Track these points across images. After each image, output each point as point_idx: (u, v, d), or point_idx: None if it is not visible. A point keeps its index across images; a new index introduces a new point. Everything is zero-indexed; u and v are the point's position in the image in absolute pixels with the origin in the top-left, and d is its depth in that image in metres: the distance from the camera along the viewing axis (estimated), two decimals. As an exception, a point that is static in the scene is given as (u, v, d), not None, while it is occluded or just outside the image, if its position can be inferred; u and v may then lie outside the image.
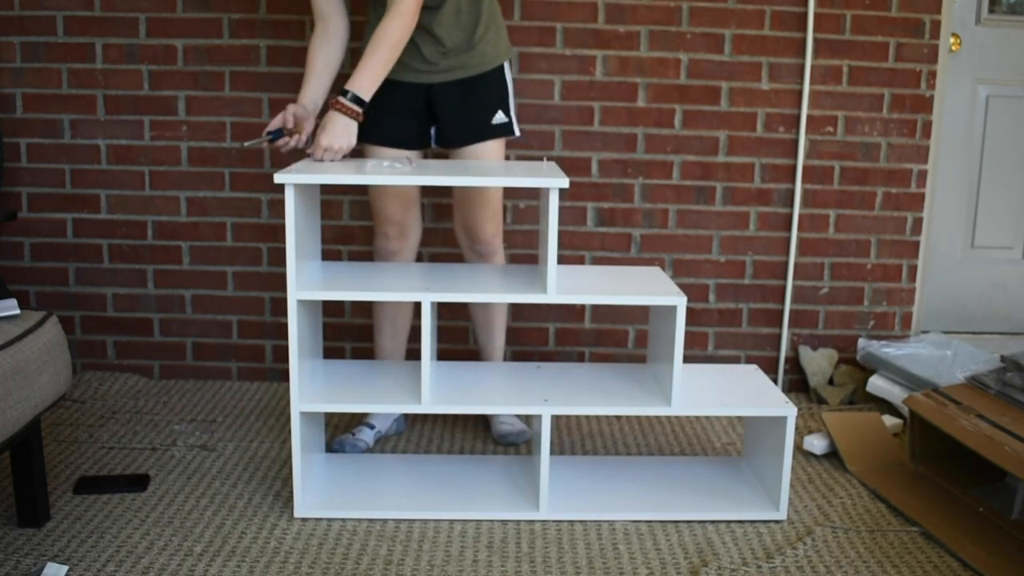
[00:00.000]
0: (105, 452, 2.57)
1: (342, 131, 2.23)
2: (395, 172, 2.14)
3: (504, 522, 2.23)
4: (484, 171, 2.20)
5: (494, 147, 2.52)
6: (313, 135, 2.35)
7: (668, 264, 3.15)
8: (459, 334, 3.17)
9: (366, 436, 2.62)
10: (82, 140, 3.03)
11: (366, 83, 2.25)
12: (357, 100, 2.24)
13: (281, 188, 3.05)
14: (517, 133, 2.56)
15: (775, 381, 3.22)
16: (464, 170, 2.22)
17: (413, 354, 3.17)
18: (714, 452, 2.70)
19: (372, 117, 2.41)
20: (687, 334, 3.21)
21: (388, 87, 2.39)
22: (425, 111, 2.50)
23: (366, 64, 2.25)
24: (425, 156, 2.61)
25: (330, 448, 2.59)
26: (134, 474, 2.42)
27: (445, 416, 2.92)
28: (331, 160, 2.25)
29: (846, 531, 2.22)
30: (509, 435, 2.67)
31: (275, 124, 2.33)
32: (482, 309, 2.72)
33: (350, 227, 3.08)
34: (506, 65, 2.52)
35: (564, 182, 2.10)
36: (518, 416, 2.78)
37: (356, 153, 2.52)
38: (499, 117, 2.50)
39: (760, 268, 3.16)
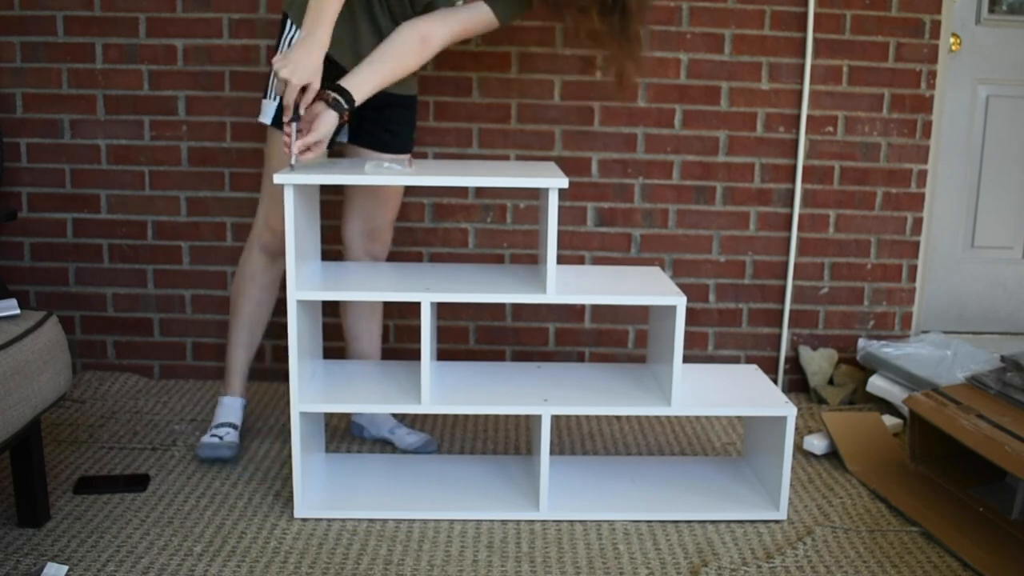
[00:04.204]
0: (105, 452, 2.57)
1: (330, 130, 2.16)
2: (394, 173, 2.14)
3: (504, 522, 2.23)
4: (482, 171, 2.20)
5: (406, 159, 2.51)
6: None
7: (668, 264, 3.15)
8: (459, 334, 3.17)
9: (232, 437, 2.54)
10: (82, 140, 3.03)
11: (364, 90, 2.18)
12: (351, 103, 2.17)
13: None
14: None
15: (775, 381, 3.22)
16: (462, 170, 2.22)
17: (413, 354, 3.17)
18: (714, 452, 2.70)
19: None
20: (687, 334, 3.21)
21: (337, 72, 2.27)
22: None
23: (373, 71, 2.18)
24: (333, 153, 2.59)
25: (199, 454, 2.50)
26: (134, 474, 2.42)
27: (445, 416, 2.92)
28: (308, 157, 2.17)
29: (846, 531, 2.22)
30: (415, 444, 2.62)
31: (292, 103, 2.09)
32: (365, 318, 2.63)
33: (350, 227, 3.08)
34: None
35: (564, 182, 2.10)
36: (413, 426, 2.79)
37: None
38: (412, 134, 2.55)
39: (760, 268, 3.16)
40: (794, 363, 3.22)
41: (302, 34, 2.09)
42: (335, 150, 2.56)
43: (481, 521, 2.23)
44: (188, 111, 3.01)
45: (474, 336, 3.18)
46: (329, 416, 2.87)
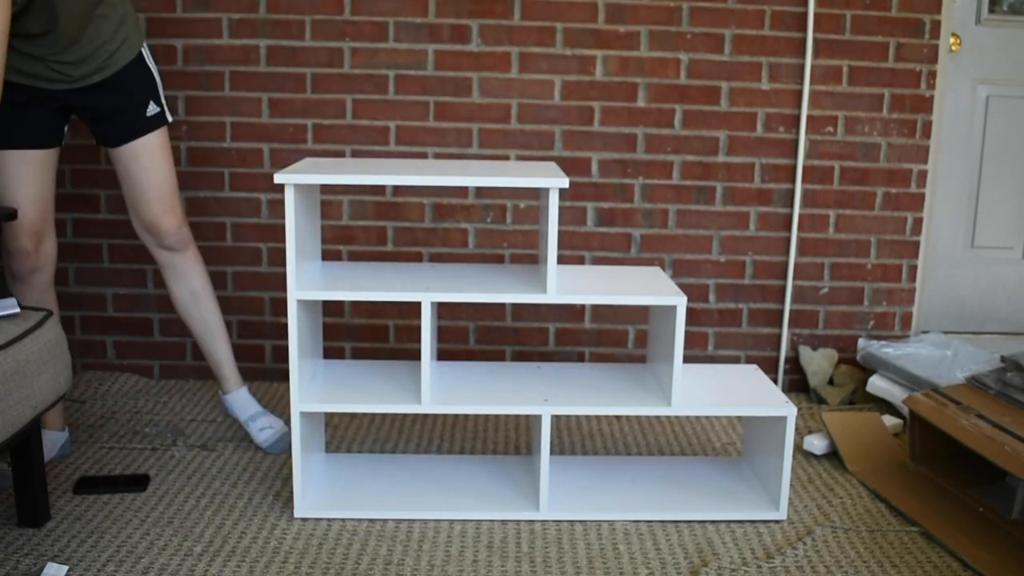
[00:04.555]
0: (105, 452, 2.57)
1: None
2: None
3: (504, 522, 2.23)
4: (482, 171, 2.20)
5: (155, 140, 2.38)
6: None
7: (668, 264, 3.15)
8: (459, 334, 3.17)
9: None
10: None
11: None
12: None
13: (281, 188, 3.05)
14: (170, 119, 2.44)
15: (775, 381, 3.22)
16: (462, 170, 2.22)
17: (413, 354, 3.17)
18: (714, 452, 2.70)
19: None
20: (687, 334, 3.21)
21: (12, 90, 2.21)
22: (61, 107, 2.30)
23: None
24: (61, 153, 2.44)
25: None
26: (134, 474, 2.42)
27: (445, 416, 2.92)
28: None
29: (846, 531, 2.22)
30: (268, 442, 2.59)
31: None
32: (199, 323, 2.58)
33: (350, 227, 3.09)
34: (144, 52, 2.36)
35: (564, 182, 2.10)
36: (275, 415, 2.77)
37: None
38: (152, 108, 2.36)
39: (760, 268, 3.16)
40: (794, 363, 3.22)
41: None
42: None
43: (481, 521, 2.23)
44: (188, 111, 3.01)
45: (474, 336, 3.18)
46: (329, 416, 2.87)
